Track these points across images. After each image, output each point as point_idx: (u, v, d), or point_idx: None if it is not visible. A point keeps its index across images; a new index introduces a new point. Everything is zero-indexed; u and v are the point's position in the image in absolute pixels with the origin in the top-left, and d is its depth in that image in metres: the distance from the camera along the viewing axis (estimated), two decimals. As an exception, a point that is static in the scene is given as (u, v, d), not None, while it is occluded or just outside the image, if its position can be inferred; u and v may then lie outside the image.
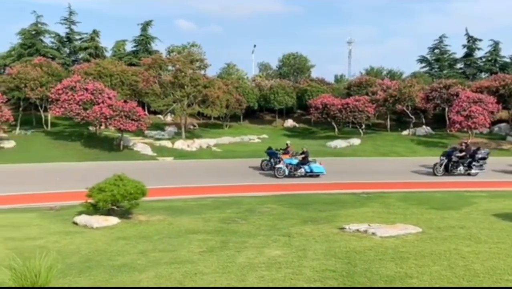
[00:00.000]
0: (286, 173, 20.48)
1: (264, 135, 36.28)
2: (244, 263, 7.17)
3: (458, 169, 21.35)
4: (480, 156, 21.67)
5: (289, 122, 42.70)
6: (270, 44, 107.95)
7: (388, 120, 38.67)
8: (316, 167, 20.79)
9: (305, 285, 6.13)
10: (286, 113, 43.81)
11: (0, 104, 27.41)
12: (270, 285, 6.14)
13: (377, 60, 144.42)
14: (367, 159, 22.64)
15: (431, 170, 21.58)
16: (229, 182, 19.43)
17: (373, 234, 9.10)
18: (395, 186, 18.16)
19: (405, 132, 37.11)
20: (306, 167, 20.72)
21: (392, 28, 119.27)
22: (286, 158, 21.20)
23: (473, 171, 21.28)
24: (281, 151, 22.29)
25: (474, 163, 21.44)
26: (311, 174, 20.59)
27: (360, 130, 36.13)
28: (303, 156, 21.19)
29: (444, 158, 21.55)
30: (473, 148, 22.52)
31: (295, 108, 44.13)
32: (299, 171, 20.61)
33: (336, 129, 37.13)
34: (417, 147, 31.80)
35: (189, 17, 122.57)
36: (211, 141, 32.32)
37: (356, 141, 32.89)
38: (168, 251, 8.09)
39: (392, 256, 7.44)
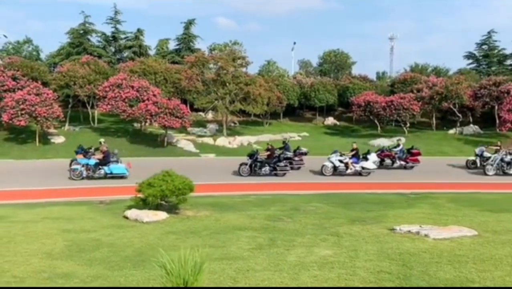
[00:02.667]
0: (84, 174, 18.72)
1: (305, 133, 36.04)
2: (295, 261, 7.12)
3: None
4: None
5: (330, 120, 42.20)
6: (310, 41, 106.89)
7: (434, 118, 37.46)
8: (116, 167, 19.18)
9: (361, 286, 6.01)
10: (327, 111, 43.32)
11: (51, 101, 28.54)
12: (325, 285, 6.06)
13: (420, 56, 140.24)
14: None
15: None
16: (270, 179, 19.43)
17: (426, 235, 8.82)
18: (444, 186, 17.58)
19: (451, 131, 35.85)
20: (106, 168, 18.99)
21: (434, 23, 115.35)
22: (80, 158, 19.38)
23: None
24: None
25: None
26: (112, 176, 18.88)
27: (405, 128, 35.21)
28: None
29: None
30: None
31: (336, 106, 43.57)
32: (97, 172, 18.98)
33: (379, 128, 36.34)
34: (465, 146, 30.60)
35: (229, 15, 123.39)
36: (252, 139, 32.42)
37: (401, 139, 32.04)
38: (218, 246, 8.15)
39: (448, 259, 7.18)
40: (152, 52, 48.56)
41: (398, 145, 23.57)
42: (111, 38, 48.16)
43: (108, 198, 14.50)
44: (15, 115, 26.90)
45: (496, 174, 20.49)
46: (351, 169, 20.28)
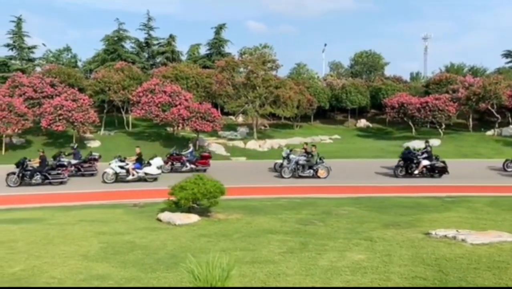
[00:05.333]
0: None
1: (336, 136, 35.68)
2: (327, 266, 7.02)
3: None
4: None
5: (362, 122, 41.62)
6: (341, 42, 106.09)
7: (470, 119, 36.35)
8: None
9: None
10: (359, 113, 42.78)
11: (87, 107, 29.44)
12: (357, 290, 5.95)
13: (455, 56, 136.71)
14: (448, 161, 21.35)
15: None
16: (300, 182, 19.32)
17: (463, 240, 8.52)
18: (482, 189, 16.98)
19: (489, 132, 34.65)
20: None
21: (470, 22, 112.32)
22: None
23: None
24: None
25: None
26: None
27: (440, 130, 34.30)
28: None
29: None
30: None
31: (368, 108, 42.93)
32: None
33: (414, 130, 35.54)
34: (504, 148, 29.50)
35: (259, 18, 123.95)
36: (282, 142, 32.35)
37: (435, 142, 31.19)
38: (249, 250, 8.15)
39: (487, 265, 6.91)
40: (184, 57, 49.36)
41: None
42: (144, 44, 49.26)
43: (142, 200, 14.79)
44: (53, 120, 27.88)
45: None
46: (133, 175, 19.54)
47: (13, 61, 44.70)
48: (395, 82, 42.70)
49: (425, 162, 20.08)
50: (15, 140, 29.88)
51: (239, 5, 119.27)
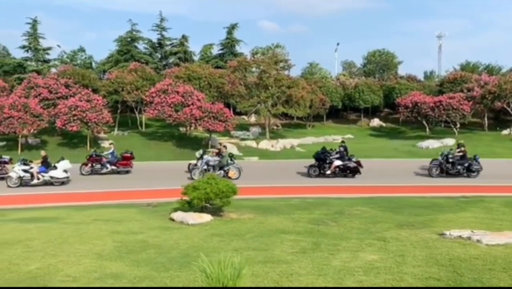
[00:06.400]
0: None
1: (349, 135, 35.48)
2: (340, 266, 7.00)
3: None
4: None
5: (375, 122, 41.35)
6: (354, 41, 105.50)
7: (486, 118, 35.82)
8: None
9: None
10: (372, 112, 42.50)
11: (101, 107, 29.75)
12: (370, 290, 5.92)
13: (469, 54, 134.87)
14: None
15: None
16: (313, 182, 19.27)
17: (478, 241, 8.41)
18: (498, 189, 16.75)
19: (505, 131, 34.14)
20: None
21: (485, 20, 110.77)
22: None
23: None
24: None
25: None
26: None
27: (454, 129, 33.90)
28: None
29: None
30: None
31: (381, 107, 42.65)
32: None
33: (428, 129, 35.18)
34: (521, 148, 29.06)
35: (272, 17, 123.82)
36: (295, 142, 32.30)
37: (450, 141, 30.85)
38: (261, 250, 8.16)
39: (503, 266, 6.82)
40: (196, 57, 49.55)
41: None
42: (157, 45, 49.58)
43: (155, 200, 14.90)
44: (68, 121, 28.23)
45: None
46: (38, 178, 18.89)
47: (28, 63, 45.36)
48: (409, 81, 42.34)
49: (338, 162, 20.21)
50: (30, 140, 30.33)
51: (252, 5, 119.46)
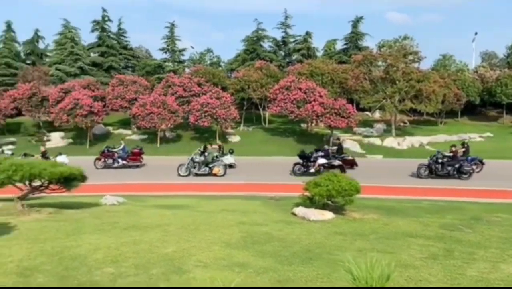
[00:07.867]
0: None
1: (488, 134, 32.14)
2: (476, 277, 6.37)
3: None
4: None
5: (520, 119, 36.74)
6: (495, 30, 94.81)
7: None
8: None
9: None
10: (516, 108, 37.85)
11: (229, 104, 31.44)
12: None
13: None
14: None
15: None
16: (444, 184, 17.86)
17: None
18: None
19: None
20: None
21: None
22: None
23: None
24: None
25: None
26: None
27: None
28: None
29: None
30: None
31: (528, 103, 37.69)
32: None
33: None
34: None
35: (401, 9, 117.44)
36: (424, 140, 30.33)
37: None
38: (387, 252, 7.81)
39: None
40: (319, 53, 49.40)
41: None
42: (281, 43, 50.61)
43: (278, 194, 15.27)
44: (200, 117, 30.44)
45: None
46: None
47: (166, 64, 49.86)
48: None
49: (322, 160, 20.33)
50: (168, 134, 33.36)
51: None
